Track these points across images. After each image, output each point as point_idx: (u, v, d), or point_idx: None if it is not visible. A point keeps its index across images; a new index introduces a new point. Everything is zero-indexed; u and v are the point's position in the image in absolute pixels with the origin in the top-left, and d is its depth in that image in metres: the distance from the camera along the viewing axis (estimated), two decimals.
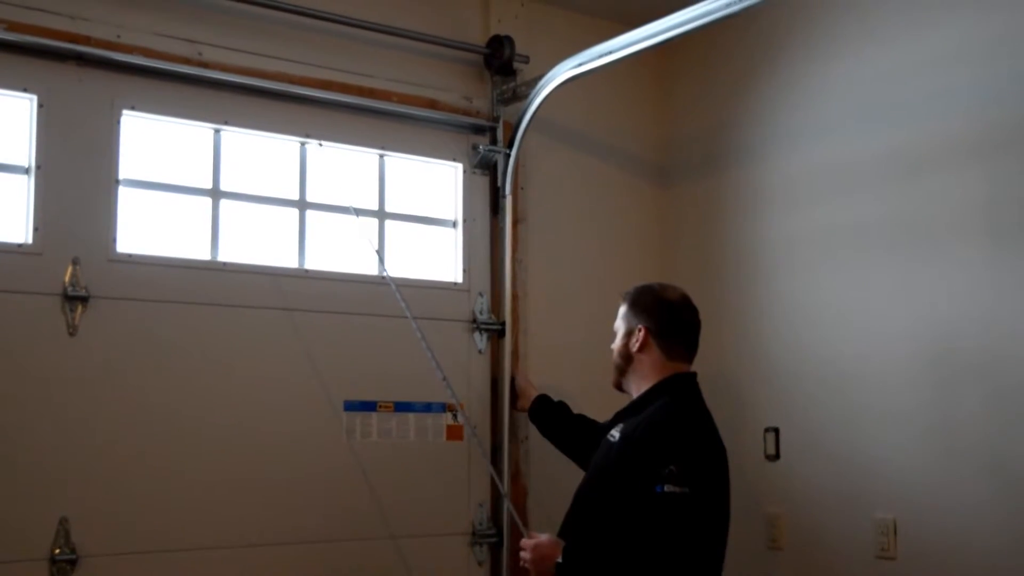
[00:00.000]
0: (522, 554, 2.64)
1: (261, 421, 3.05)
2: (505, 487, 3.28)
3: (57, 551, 2.73)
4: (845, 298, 3.19)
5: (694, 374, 2.73)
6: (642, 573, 2.40)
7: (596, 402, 2.90)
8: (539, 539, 2.62)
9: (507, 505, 3.20)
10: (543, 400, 3.28)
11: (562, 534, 2.67)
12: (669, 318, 2.73)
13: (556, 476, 3.46)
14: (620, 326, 2.77)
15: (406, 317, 3.18)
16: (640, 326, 2.70)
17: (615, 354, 2.77)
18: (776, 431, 3.37)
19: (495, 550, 3.40)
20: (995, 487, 2.76)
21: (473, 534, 3.39)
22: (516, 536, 2.81)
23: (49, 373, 2.77)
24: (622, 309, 2.79)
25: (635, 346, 2.70)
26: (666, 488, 2.39)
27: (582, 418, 3.17)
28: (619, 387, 2.79)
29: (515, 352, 3.48)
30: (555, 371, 3.56)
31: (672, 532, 2.40)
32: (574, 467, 3.40)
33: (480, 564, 3.40)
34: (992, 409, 2.78)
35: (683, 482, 2.40)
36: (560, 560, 2.52)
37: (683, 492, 2.39)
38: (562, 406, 3.23)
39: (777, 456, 3.36)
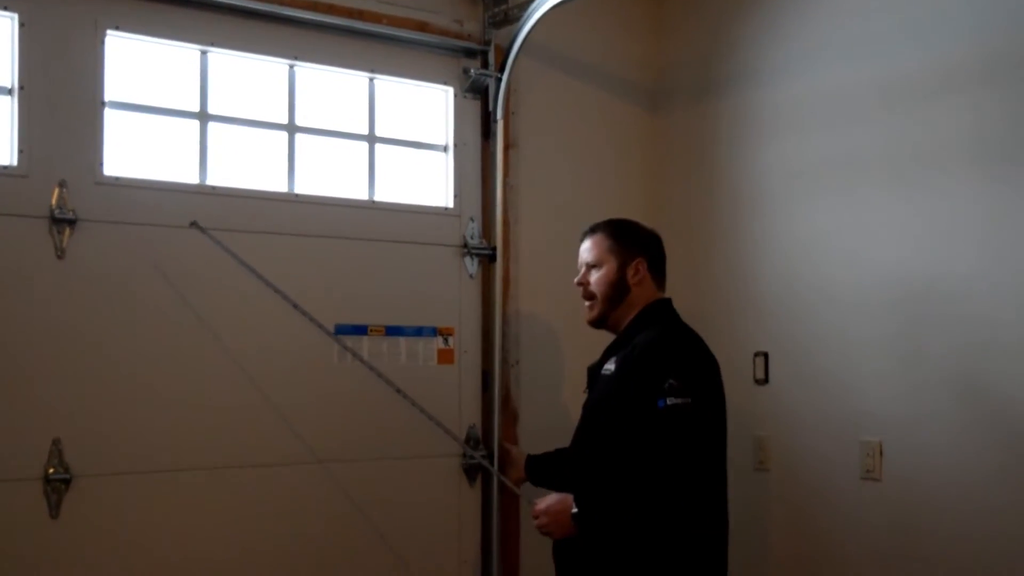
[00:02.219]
0: (537, 523, 2.65)
1: (251, 343, 3.07)
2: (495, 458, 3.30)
3: (51, 471, 2.76)
4: (836, 226, 3.18)
5: (670, 299, 2.76)
6: (657, 490, 2.43)
7: (585, 329, 2.89)
8: (548, 501, 2.64)
9: (497, 477, 3.26)
10: (534, 461, 3.15)
11: (570, 472, 2.71)
12: (657, 250, 2.78)
13: (546, 399, 3.52)
14: (606, 259, 2.73)
15: (396, 242, 3.23)
16: (640, 258, 2.71)
17: (604, 286, 2.72)
18: (765, 355, 3.39)
19: (486, 471, 3.43)
20: (977, 413, 2.79)
21: (464, 455, 3.42)
22: (514, 504, 2.75)
23: (38, 295, 2.78)
24: (604, 243, 2.75)
25: (634, 279, 2.70)
26: (668, 401, 2.42)
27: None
28: (600, 322, 2.76)
29: (505, 277, 3.48)
30: (545, 296, 3.57)
31: (681, 443, 2.43)
32: (564, 390, 3.45)
33: (472, 485, 3.44)
34: (977, 337, 2.79)
35: (684, 393, 2.43)
36: (576, 510, 2.54)
37: (685, 403, 2.43)
38: (556, 453, 3.04)
39: (766, 380, 3.39)
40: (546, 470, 3.08)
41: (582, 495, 2.57)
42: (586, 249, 2.79)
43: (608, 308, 2.73)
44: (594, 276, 2.74)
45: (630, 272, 2.70)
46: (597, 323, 2.77)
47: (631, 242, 2.75)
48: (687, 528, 2.47)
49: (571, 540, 2.59)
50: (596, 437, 2.64)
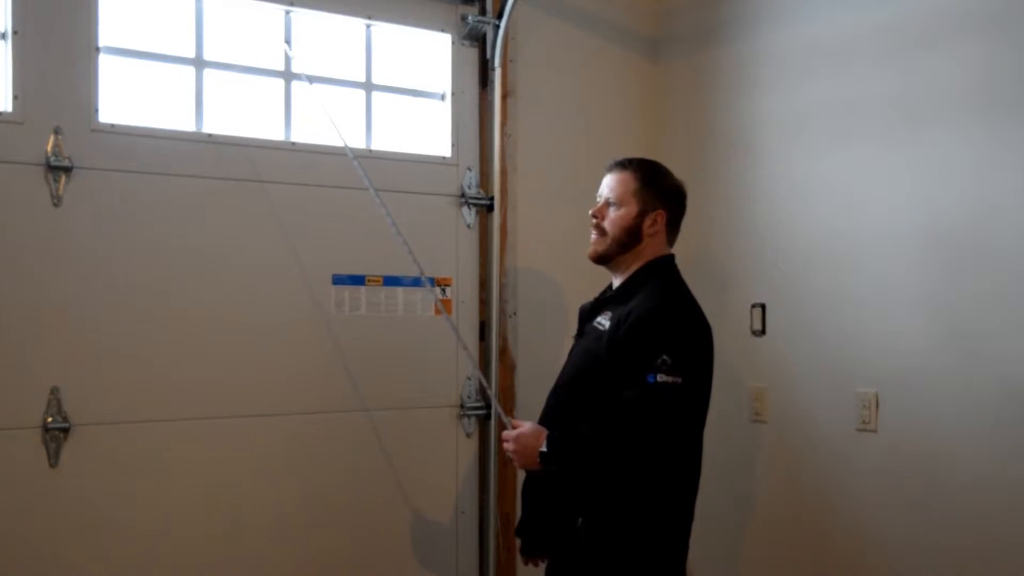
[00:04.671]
0: (505, 445, 2.58)
1: (249, 293, 3.06)
2: (494, 388, 3.29)
3: (50, 420, 2.76)
4: (837, 175, 3.16)
5: (674, 256, 2.67)
6: (627, 463, 2.40)
7: (583, 279, 2.88)
8: (522, 429, 2.55)
9: (495, 408, 3.21)
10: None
11: (546, 416, 2.65)
12: (679, 206, 2.67)
13: (543, 350, 3.51)
14: (628, 201, 2.60)
15: (393, 192, 3.18)
16: (661, 211, 2.61)
17: (618, 229, 2.60)
18: (763, 307, 3.39)
19: (483, 422, 3.44)
20: (973, 365, 2.79)
21: (461, 406, 3.43)
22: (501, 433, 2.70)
23: (35, 244, 2.76)
24: (630, 184, 2.61)
25: (650, 230, 2.60)
26: (658, 378, 2.35)
27: None
28: (603, 260, 2.65)
29: (503, 227, 3.47)
30: (543, 247, 3.56)
31: (661, 422, 2.38)
32: (561, 342, 3.44)
33: (468, 436, 3.45)
34: (978, 289, 2.79)
35: (676, 372, 2.36)
36: (544, 449, 2.47)
37: (675, 382, 2.36)
38: None
39: (763, 331, 3.39)
40: None
41: (555, 438, 2.49)
42: (610, 184, 2.65)
43: (615, 250, 2.62)
44: (611, 213, 2.62)
45: (647, 221, 2.59)
46: (599, 260, 2.66)
47: (657, 191, 2.62)
48: (651, 500, 2.45)
49: (539, 479, 2.55)
50: (579, 393, 2.56)
